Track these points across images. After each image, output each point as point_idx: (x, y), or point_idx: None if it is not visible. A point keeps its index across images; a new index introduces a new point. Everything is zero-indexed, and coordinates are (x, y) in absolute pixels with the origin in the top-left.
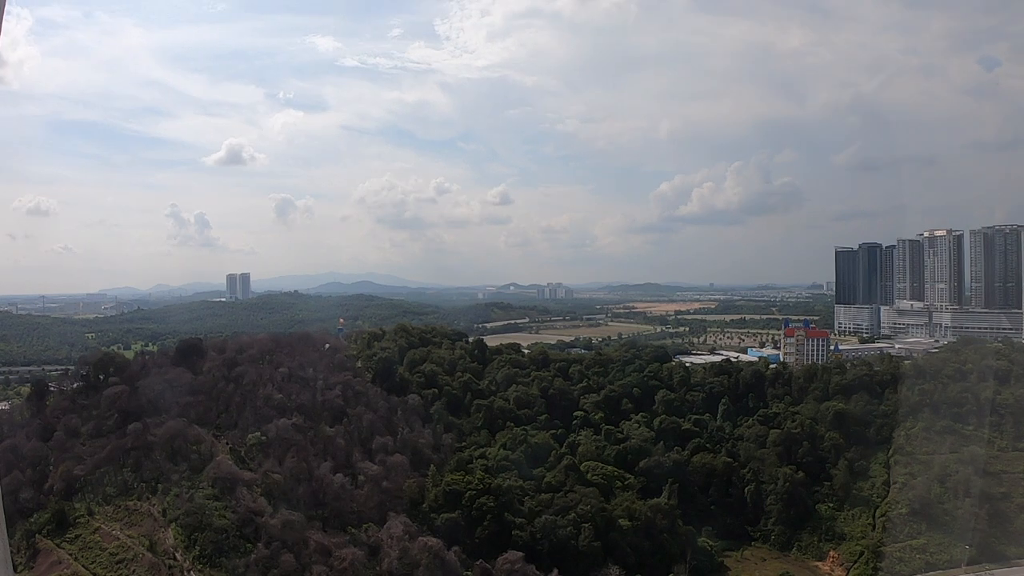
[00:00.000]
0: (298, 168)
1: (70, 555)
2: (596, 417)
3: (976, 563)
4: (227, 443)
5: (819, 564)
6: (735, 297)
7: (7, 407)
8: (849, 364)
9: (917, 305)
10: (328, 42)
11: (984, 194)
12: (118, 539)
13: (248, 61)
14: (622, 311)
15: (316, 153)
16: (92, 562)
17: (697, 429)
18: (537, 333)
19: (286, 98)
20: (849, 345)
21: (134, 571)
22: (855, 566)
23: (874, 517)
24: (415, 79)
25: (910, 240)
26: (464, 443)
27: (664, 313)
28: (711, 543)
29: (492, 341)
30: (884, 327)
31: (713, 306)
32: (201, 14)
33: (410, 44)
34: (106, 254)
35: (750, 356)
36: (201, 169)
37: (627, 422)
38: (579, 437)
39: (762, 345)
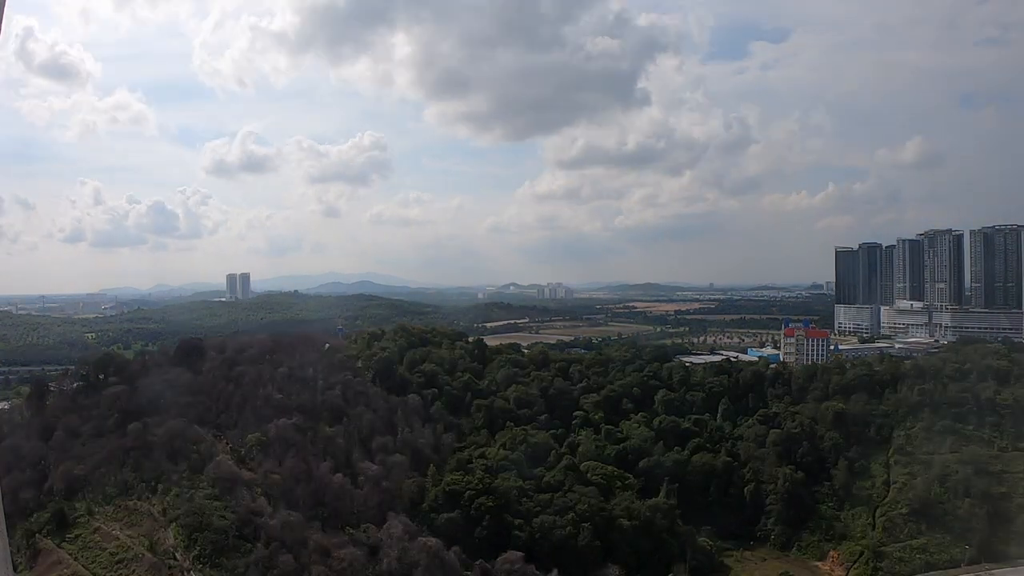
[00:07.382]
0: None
1: (70, 555)
2: (596, 417)
3: (976, 563)
4: (227, 443)
5: (819, 564)
6: (735, 297)
7: (7, 407)
8: (849, 364)
9: (917, 305)
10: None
11: None
12: (118, 539)
13: None
14: (622, 311)
15: None
16: (92, 562)
17: (697, 429)
18: (537, 333)
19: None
20: (849, 345)
21: (134, 571)
22: (855, 566)
23: (874, 517)
24: None
25: (910, 240)
26: (464, 443)
27: (664, 313)
28: (711, 543)
29: (492, 341)
30: (884, 327)
31: (713, 306)
32: None
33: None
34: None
35: (750, 356)
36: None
37: (627, 422)
38: (579, 437)
39: (762, 345)
